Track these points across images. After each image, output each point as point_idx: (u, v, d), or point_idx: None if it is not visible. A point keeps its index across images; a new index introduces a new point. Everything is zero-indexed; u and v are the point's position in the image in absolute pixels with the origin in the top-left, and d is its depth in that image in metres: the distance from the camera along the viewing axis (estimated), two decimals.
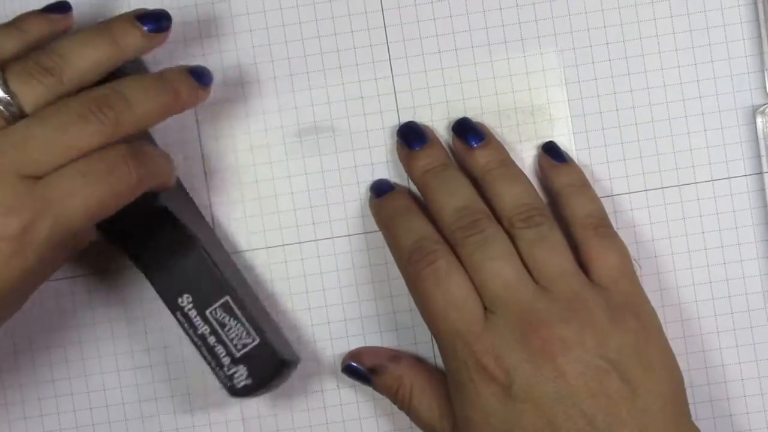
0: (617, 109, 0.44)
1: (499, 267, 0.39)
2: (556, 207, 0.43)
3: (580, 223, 0.41)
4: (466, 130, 0.43)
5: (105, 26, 0.39)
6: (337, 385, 0.45)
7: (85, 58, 0.37)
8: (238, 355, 0.41)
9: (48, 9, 0.40)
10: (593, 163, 0.44)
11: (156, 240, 0.41)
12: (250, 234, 0.45)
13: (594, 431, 0.36)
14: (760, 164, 0.44)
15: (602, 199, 0.44)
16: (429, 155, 0.43)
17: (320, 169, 0.45)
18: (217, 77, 0.44)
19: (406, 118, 0.44)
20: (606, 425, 0.36)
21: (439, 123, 0.45)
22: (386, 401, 0.43)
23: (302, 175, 0.45)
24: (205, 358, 0.41)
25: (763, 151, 0.44)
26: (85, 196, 0.35)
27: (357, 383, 0.44)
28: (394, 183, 0.44)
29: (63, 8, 0.40)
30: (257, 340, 0.41)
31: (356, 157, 0.45)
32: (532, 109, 0.44)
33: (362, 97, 0.45)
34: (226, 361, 0.41)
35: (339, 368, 0.44)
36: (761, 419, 0.44)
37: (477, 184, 0.42)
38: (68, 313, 0.45)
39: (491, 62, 0.44)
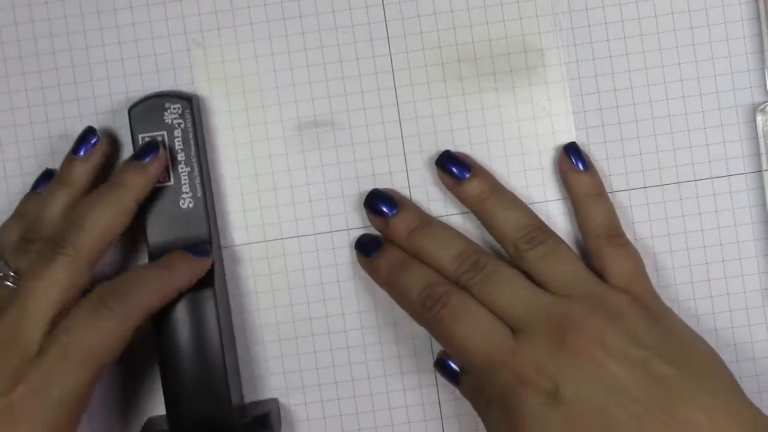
0: (617, 106, 0.44)
1: (511, 289, 0.40)
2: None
3: (595, 233, 0.42)
4: (451, 163, 0.43)
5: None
6: (336, 381, 0.45)
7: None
8: None
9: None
10: (593, 160, 0.44)
11: None
12: (248, 227, 0.45)
13: (648, 414, 0.36)
14: (759, 162, 0.44)
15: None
16: (406, 218, 0.43)
17: (320, 163, 0.45)
18: (217, 71, 0.44)
19: (405, 114, 0.44)
20: (659, 406, 0.36)
21: (439, 119, 0.45)
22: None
23: (301, 169, 0.45)
24: None
25: (762, 149, 0.44)
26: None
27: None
28: (379, 236, 0.44)
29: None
30: None
31: (356, 151, 0.45)
32: (532, 107, 0.44)
33: (362, 92, 0.45)
34: None
35: (339, 364, 0.44)
36: None
37: (473, 213, 0.43)
38: None
39: (492, 58, 0.44)
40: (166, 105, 0.42)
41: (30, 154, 0.45)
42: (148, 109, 0.42)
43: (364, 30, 0.44)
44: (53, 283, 0.38)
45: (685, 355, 0.38)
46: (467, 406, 0.45)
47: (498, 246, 0.43)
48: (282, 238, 0.45)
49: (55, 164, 0.44)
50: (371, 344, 0.45)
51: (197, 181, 0.42)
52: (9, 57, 0.45)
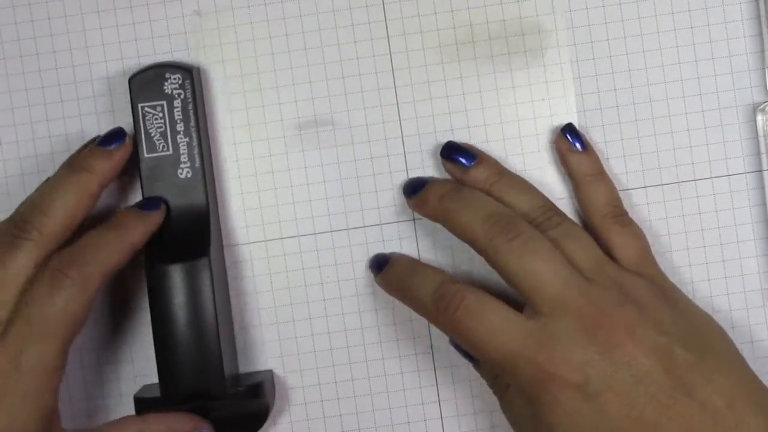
0: (617, 106, 0.44)
1: (553, 267, 0.39)
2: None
3: (600, 213, 0.42)
4: (455, 152, 0.43)
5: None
6: (335, 381, 0.45)
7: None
8: None
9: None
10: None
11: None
12: (248, 227, 0.45)
13: (678, 402, 0.37)
14: (759, 162, 0.44)
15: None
16: (437, 187, 0.42)
17: (320, 162, 0.45)
18: (217, 70, 0.44)
19: (406, 113, 0.44)
20: (686, 394, 0.37)
21: (439, 118, 0.45)
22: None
23: (301, 169, 0.45)
24: None
25: (762, 149, 0.44)
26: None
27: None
28: (390, 253, 0.44)
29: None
30: None
31: (356, 150, 0.45)
32: (532, 106, 0.44)
33: (362, 91, 0.45)
34: None
35: (338, 363, 0.44)
36: None
37: None
38: None
39: (492, 57, 0.44)
40: (167, 75, 0.42)
41: (30, 154, 0.45)
42: (148, 78, 0.42)
43: (364, 29, 0.44)
44: (16, 269, 0.39)
45: (702, 338, 0.39)
46: (467, 406, 0.45)
47: None
48: (282, 238, 0.45)
49: (55, 164, 0.44)
50: (371, 344, 0.45)
51: (196, 151, 0.42)
52: (9, 57, 0.45)
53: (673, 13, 0.44)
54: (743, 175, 0.44)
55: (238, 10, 0.45)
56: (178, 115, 0.42)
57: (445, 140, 0.44)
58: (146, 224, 0.41)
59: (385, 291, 0.43)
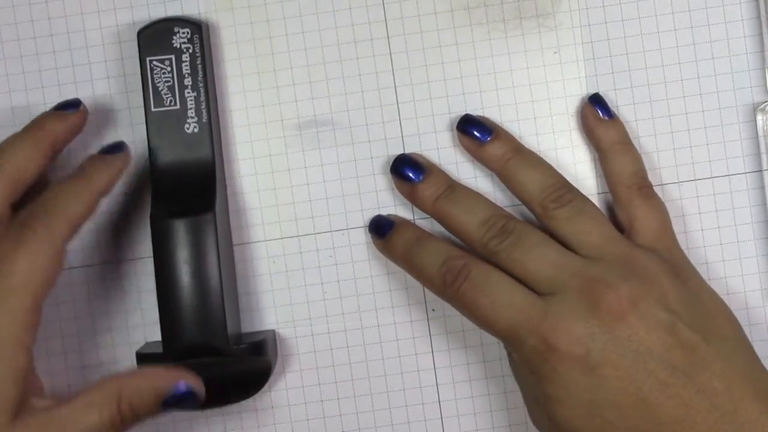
0: (618, 106, 0.44)
1: (542, 252, 0.39)
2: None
3: (626, 183, 0.42)
4: (472, 126, 0.43)
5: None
6: (336, 382, 0.45)
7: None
8: None
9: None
10: (593, 159, 0.44)
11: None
12: (249, 227, 0.45)
13: (677, 381, 0.37)
14: (759, 162, 0.44)
15: (602, 196, 0.44)
16: (433, 183, 0.42)
17: (320, 162, 0.45)
18: (217, 70, 0.44)
19: (406, 112, 0.44)
20: (685, 375, 0.37)
21: (439, 118, 0.45)
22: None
23: (302, 169, 0.45)
24: None
25: (762, 149, 0.44)
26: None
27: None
28: (391, 215, 0.44)
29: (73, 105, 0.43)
30: None
31: (356, 150, 0.45)
32: (532, 104, 0.44)
33: (362, 91, 0.45)
34: None
35: (339, 364, 0.44)
36: None
37: (497, 177, 0.43)
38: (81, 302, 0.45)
39: (492, 57, 0.44)
40: (175, 29, 0.42)
41: None
42: (157, 32, 0.42)
43: (364, 29, 0.44)
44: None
45: (708, 320, 0.39)
46: (468, 406, 0.45)
47: (524, 212, 0.43)
48: (282, 238, 0.45)
49: (55, 164, 0.44)
50: (371, 344, 0.45)
51: (203, 106, 0.42)
52: (9, 57, 0.45)
53: (673, 13, 0.44)
54: (743, 175, 0.44)
55: (238, 11, 0.45)
56: (186, 69, 0.42)
57: (444, 140, 0.44)
58: (111, 169, 0.41)
59: (387, 257, 0.43)
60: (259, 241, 0.45)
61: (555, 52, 0.44)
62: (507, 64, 0.44)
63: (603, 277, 0.38)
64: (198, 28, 0.42)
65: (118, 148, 0.42)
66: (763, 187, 0.44)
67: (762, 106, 0.44)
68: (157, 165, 0.42)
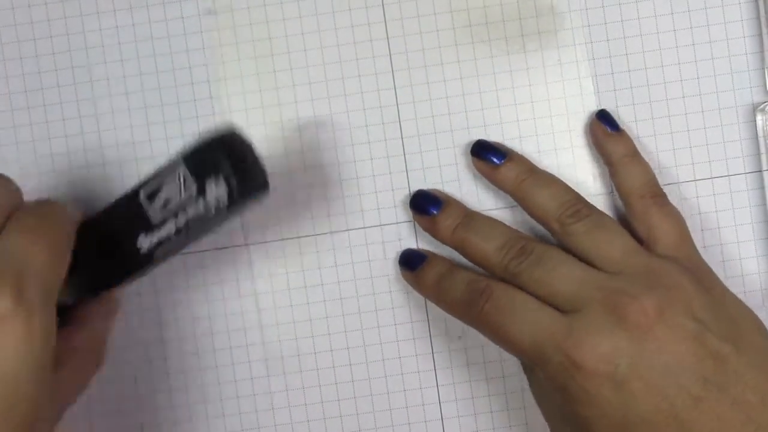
0: (617, 107, 0.44)
1: (562, 269, 0.39)
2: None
3: (639, 193, 0.42)
4: (486, 150, 0.43)
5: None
6: (336, 382, 0.45)
7: None
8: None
9: None
10: (592, 160, 0.44)
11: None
12: (249, 228, 0.45)
13: (709, 395, 0.36)
14: (759, 162, 0.44)
15: (602, 197, 0.44)
16: (450, 213, 0.43)
17: (320, 163, 0.45)
18: (217, 73, 0.44)
19: (405, 114, 0.44)
20: (718, 388, 0.36)
21: (439, 119, 0.45)
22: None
23: (301, 170, 0.45)
24: None
25: (762, 149, 0.44)
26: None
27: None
28: (424, 250, 0.44)
29: None
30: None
31: (355, 152, 0.45)
32: (532, 106, 0.44)
33: (362, 92, 0.45)
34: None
35: (339, 365, 0.44)
36: None
37: (512, 198, 0.43)
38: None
39: (491, 57, 0.44)
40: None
41: (29, 157, 0.45)
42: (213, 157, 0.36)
43: (364, 30, 0.44)
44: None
45: (736, 328, 0.38)
46: (468, 407, 0.45)
47: (542, 231, 0.43)
48: (282, 239, 0.45)
49: (54, 165, 0.44)
50: (371, 344, 0.45)
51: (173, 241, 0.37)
52: (8, 58, 0.45)
53: (672, 13, 0.44)
54: (743, 175, 0.44)
55: (238, 12, 0.45)
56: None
57: (444, 141, 0.44)
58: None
59: (416, 289, 0.43)
60: (259, 243, 0.45)
61: (557, 68, 0.44)
62: (509, 80, 0.44)
63: (626, 290, 0.37)
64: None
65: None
66: (762, 188, 0.44)
67: (762, 106, 0.44)
68: None
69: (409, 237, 0.45)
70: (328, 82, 0.45)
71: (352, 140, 0.45)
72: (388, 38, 0.45)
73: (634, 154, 0.43)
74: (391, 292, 0.45)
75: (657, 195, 0.42)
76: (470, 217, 0.43)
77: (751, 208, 0.44)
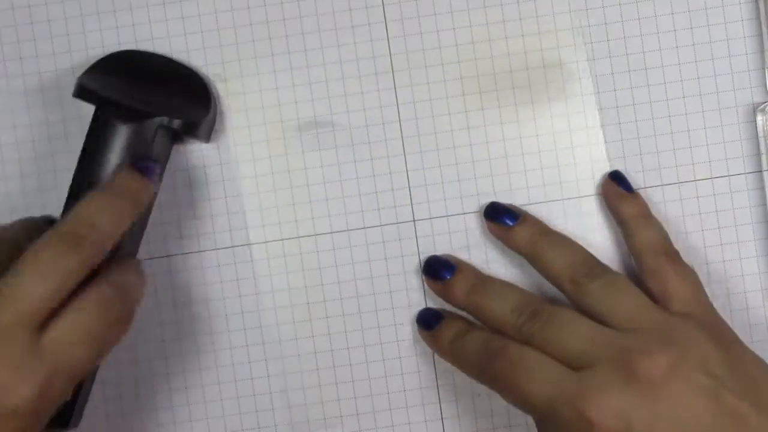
0: (617, 107, 0.44)
1: (574, 328, 0.39)
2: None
3: (653, 251, 0.42)
4: (499, 213, 0.43)
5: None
6: (336, 383, 0.45)
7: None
8: None
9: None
10: (593, 161, 0.44)
11: None
12: (248, 229, 0.45)
13: None
14: (759, 162, 0.44)
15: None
16: (463, 277, 0.43)
17: (320, 164, 0.45)
18: (217, 73, 0.44)
19: (406, 114, 0.44)
20: None
21: (439, 119, 0.45)
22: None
23: (301, 170, 0.45)
24: None
25: (762, 149, 0.44)
26: (90, 337, 0.35)
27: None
28: (441, 310, 0.44)
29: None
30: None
31: (356, 152, 0.45)
32: (532, 106, 0.44)
33: (362, 92, 0.45)
34: None
35: (339, 365, 0.44)
36: None
37: (525, 259, 0.43)
38: None
39: (491, 58, 0.44)
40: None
41: (29, 156, 0.45)
42: None
43: (364, 31, 0.44)
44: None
45: (755, 387, 0.37)
46: (468, 407, 0.45)
47: (555, 292, 0.43)
48: (282, 239, 0.45)
49: (55, 166, 0.44)
50: (372, 345, 0.45)
51: None
52: (9, 59, 0.45)
53: (672, 14, 0.44)
54: (743, 175, 0.44)
55: (238, 12, 0.44)
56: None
57: (444, 141, 0.44)
58: (148, 192, 0.40)
59: (432, 349, 0.44)
60: (259, 243, 0.45)
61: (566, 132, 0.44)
62: (518, 147, 0.44)
63: (638, 346, 0.37)
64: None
65: (152, 170, 0.40)
66: (763, 188, 0.44)
67: (762, 106, 0.44)
68: None
69: (409, 237, 0.45)
70: (328, 82, 0.45)
71: (353, 140, 0.45)
72: (388, 38, 0.44)
73: (648, 215, 0.43)
74: (391, 292, 0.45)
75: (670, 253, 0.42)
76: (483, 280, 0.43)
77: (751, 208, 0.44)
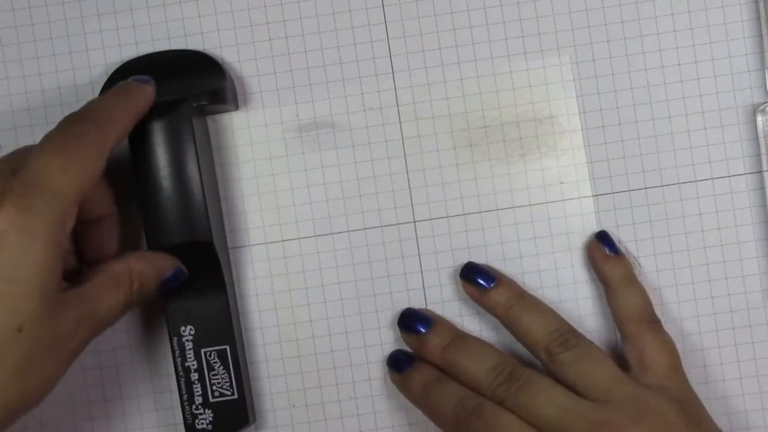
0: (617, 107, 0.44)
1: (548, 395, 0.39)
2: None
3: (633, 318, 0.42)
4: (475, 274, 0.43)
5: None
6: (336, 383, 0.45)
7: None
8: (212, 400, 0.42)
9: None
10: (593, 161, 0.44)
11: (189, 268, 0.42)
12: (249, 230, 0.45)
13: None
14: (759, 163, 0.44)
15: (601, 197, 0.44)
16: (440, 332, 0.43)
17: (320, 165, 0.45)
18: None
19: (406, 115, 0.44)
20: None
21: (439, 120, 0.45)
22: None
23: (302, 171, 0.45)
24: (180, 389, 0.42)
25: (762, 150, 0.44)
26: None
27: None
28: (411, 353, 0.44)
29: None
30: (235, 396, 0.42)
31: (356, 153, 0.45)
32: (533, 106, 0.44)
33: (362, 93, 0.45)
34: (198, 400, 0.42)
35: (339, 365, 0.44)
36: (759, 417, 0.44)
37: (500, 322, 0.43)
38: None
39: (491, 59, 0.44)
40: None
41: None
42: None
43: (364, 32, 0.44)
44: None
45: None
46: None
47: (528, 356, 0.43)
48: (282, 240, 0.45)
49: None
50: (372, 345, 0.45)
51: None
52: (9, 60, 0.45)
53: (672, 14, 0.44)
54: (743, 176, 0.44)
55: (238, 13, 0.45)
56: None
57: (444, 141, 0.44)
58: (147, 96, 0.40)
59: (402, 392, 0.43)
60: (260, 244, 0.45)
61: (559, 185, 0.44)
62: (509, 199, 0.44)
63: (611, 420, 0.38)
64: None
65: (147, 78, 0.41)
66: (763, 188, 0.44)
67: (762, 107, 0.44)
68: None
69: (409, 238, 0.45)
70: (329, 83, 0.45)
71: (353, 141, 0.45)
72: (388, 39, 0.45)
73: (632, 278, 0.43)
74: (391, 293, 0.45)
75: (652, 321, 0.42)
76: (460, 337, 0.43)
77: (751, 209, 0.44)
